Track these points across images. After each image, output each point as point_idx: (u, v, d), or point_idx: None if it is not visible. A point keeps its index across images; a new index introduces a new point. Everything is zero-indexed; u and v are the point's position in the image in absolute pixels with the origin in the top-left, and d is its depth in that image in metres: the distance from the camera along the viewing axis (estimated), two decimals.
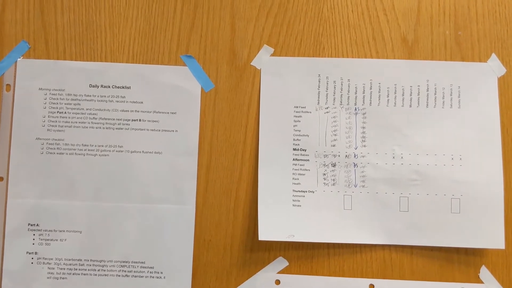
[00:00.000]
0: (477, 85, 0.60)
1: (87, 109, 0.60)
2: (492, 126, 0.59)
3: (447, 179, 0.59)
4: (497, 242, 0.57)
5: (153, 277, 0.58)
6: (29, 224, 0.59)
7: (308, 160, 0.60)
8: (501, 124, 0.59)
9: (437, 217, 0.58)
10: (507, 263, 0.58)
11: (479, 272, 0.59)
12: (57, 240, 0.59)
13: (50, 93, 0.60)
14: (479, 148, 0.59)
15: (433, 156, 0.59)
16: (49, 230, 0.59)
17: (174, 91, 0.60)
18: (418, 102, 0.60)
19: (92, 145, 0.59)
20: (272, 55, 0.61)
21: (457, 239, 0.58)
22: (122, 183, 0.59)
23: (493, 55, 0.61)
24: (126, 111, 0.60)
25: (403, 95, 0.60)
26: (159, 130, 0.60)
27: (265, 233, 0.57)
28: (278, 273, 0.59)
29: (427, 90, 0.60)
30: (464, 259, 0.59)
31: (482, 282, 0.58)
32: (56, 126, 0.60)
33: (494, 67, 0.60)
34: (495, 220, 0.58)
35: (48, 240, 0.59)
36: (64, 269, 0.58)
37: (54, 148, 0.59)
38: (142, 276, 0.58)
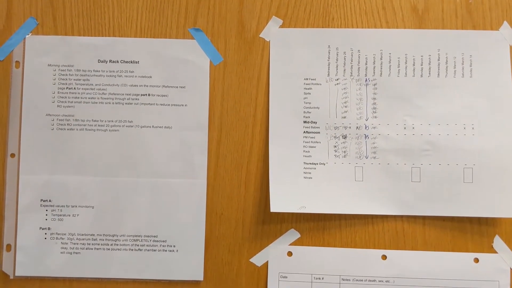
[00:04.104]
0: (489, 53, 0.59)
1: (96, 85, 0.60)
2: (505, 94, 0.58)
3: (459, 149, 0.58)
4: (510, 211, 0.57)
5: (165, 250, 0.59)
6: (41, 200, 0.59)
7: (318, 132, 0.59)
8: None
9: (449, 187, 0.58)
10: None
11: (493, 242, 0.58)
12: (69, 215, 0.59)
13: (59, 69, 0.60)
14: (491, 116, 0.58)
15: (445, 125, 0.58)
16: (62, 206, 0.59)
17: (182, 65, 0.60)
18: (429, 71, 0.59)
19: (102, 121, 0.59)
20: (281, 26, 0.60)
21: (470, 209, 0.58)
22: (133, 158, 0.59)
23: (505, 23, 0.60)
24: (135, 86, 0.60)
25: (414, 65, 0.59)
26: (169, 105, 0.60)
27: (276, 205, 0.57)
28: (290, 245, 0.59)
29: (438, 60, 0.59)
30: (477, 229, 0.58)
31: (495, 252, 0.58)
32: (66, 102, 0.60)
33: (506, 35, 0.59)
34: (509, 189, 0.57)
35: (60, 215, 0.59)
36: (77, 244, 0.59)
37: (65, 124, 0.59)
38: (155, 250, 0.59)
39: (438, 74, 0.59)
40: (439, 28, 0.60)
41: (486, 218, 0.58)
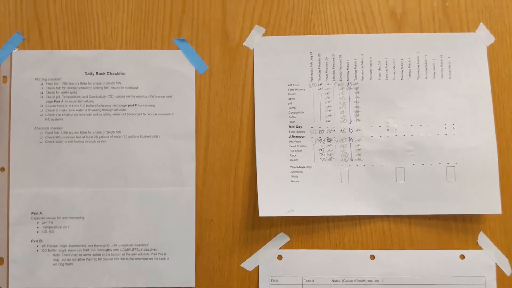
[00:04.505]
0: (466, 54, 0.61)
1: (83, 97, 0.61)
2: (484, 94, 0.60)
3: (441, 148, 0.59)
4: (493, 207, 0.58)
5: (157, 258, 0.59)
6: (32, 213, 0.59)
7: (304, 136, 0.61)
8: (492, 92, 0.60)
9: (433, 186, 0.59)
10: (504, 228, 0.59)
11: (477, 238, 0.59)
12: (60, 227, 0.59)
13: (46, 83, 0.61)
14: (471, 116, 0.60)
15: (426, 126, 0.60)
16: (52, 218, 0.59)
17: (168, 74, 0.61)
18: (410, 74, 0.61)
19: (90, 132, 0.60)
20: (264, 35, 0.61)
21: (454, 207, 0.59)
22: (122, 168, 0.60)
23: (481, 25, 0.61)
24: (122, 96, 0.61)
25: (394, 68, 0.61)
26: (156, 114, 0.61)
27: (265, 210, 0.58)
28: (280, 248, 0.60)
29: (418, 62, 0.61)
30: (462, 226, 0.60)
31: (480, 248, 0.59)
32: (54, 115, 0.60)
33: (482, 36, 0.61)
34: (491, 186, 0.59)
35: (51, 227, 0.59)
36: (69, 255, 0.59)
37: (53, 137, 0.60)
38: (146, 258, 0.59)
39: (418, 76, 0.61)
40: (417, 32, 0.61)
41: (470, 215, 0.60)
